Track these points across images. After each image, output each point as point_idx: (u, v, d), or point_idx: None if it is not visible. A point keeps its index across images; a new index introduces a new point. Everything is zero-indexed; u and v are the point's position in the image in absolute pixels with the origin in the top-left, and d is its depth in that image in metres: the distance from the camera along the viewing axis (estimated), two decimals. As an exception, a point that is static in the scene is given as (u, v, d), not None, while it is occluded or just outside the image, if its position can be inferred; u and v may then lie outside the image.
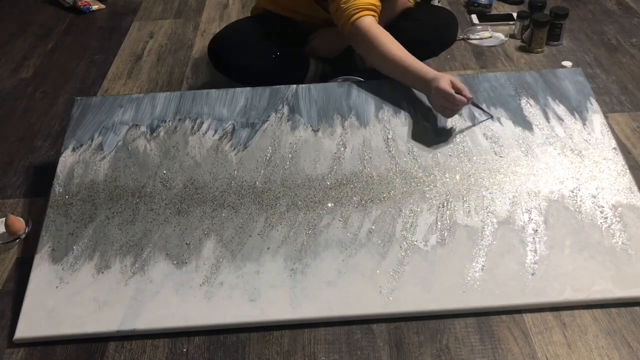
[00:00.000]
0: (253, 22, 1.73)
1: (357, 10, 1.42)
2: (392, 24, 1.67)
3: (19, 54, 2.16)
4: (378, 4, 1.46)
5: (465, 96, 1.32)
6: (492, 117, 1.42)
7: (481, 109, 1.42)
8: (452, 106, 1.33)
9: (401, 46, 1.42)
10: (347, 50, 1.70)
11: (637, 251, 1.18)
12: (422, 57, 1.81)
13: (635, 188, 1.29)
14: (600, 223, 1.23)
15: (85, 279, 1.19)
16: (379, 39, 1.40)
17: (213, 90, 1.52)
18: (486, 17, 2.19)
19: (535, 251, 1.19)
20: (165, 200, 1.31)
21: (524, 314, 1.12)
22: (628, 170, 1.32)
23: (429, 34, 1.65)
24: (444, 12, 1.74)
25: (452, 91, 1.31)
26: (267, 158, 1.38)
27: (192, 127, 1.45)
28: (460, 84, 1.33)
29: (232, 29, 1.74)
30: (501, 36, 2.05)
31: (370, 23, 1.42)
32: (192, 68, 1.99)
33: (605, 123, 1.42)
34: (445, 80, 1.32)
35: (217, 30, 2.18)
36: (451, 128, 1.42)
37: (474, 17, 2.18)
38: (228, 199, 1.30)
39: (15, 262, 1.30)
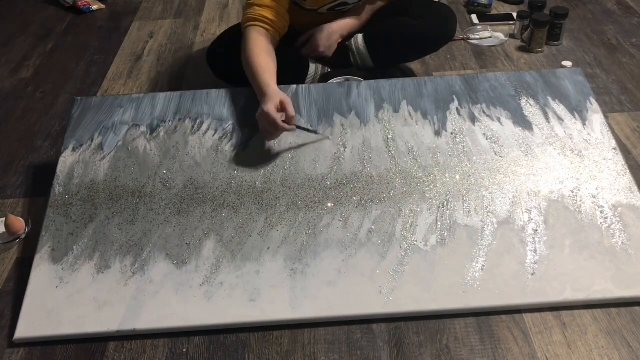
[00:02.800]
0: None
1: (251, 20, 1.51)
2: (391, 21, 1.67)
3: (19, 54, 2.16)
4: (275, 20, 1.52)
5: (288, 122, 1.33)
6: (324, 137, 1.41)
7: (308, 130, 1.40)
8: (272, 130, 1.35)
9: (268, 61, 1.46)
10: (346, 51, 1.70)
11: (637, 251, 1.18)
12: (422, 53, 1.82)
13: (635, 188, 1.29)
14: (600, 223, 1.23)
15: (85, 279, 1.19)
16: (251, 46, 1.47)
17: (213, 90, 1.52)
18: (486, 17, 2.18)
19: (535, 251, 1.19)
20: (165, 200, 1.31)
21: (524, 314, 1.12)
22: (628, 170, 1.32)
23: (429, 30, 1.66)
24: (443, 7, 1.74)
25: (277, 117, 1.31)
26: (267, 158, 1.38)
27: (192, 127, 1.45)
28: (290, 109, 1.33)
29: (230, 36, 1.74)
30: (501, 36, 2.05)
31: (254, 34, 1.49)
32: (192, 68, 1.99)
33: (605, 123, 1.42)
34: (273, 103, 1.33)
35: (217, 30, 2.19)
36: (451, 128, 1.42)
37: (474, 17, 2.18)
38: (228, 199, 1.30)
39: (15, 262, 1.30)
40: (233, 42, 1.62)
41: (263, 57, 1.46)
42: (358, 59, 1.70)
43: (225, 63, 1.67)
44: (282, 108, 1.34)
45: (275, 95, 1.35)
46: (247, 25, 1.51)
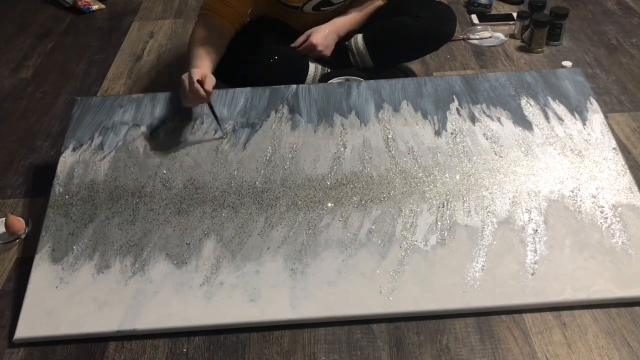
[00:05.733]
0: (248, 28, 1.73)
1: (203, 10, 1.56)
2: (391, 21, 1.67)
3: (19, 54, 2.16)
4: (224, 10, 1.54)
5: (206, 91, 1.38)
6: (222, 137, 1.43)
7: (214, 116, 1.43)
8: (187, 94, 1.40)
9: (205, 44, 1.50)
10: (346, 51, 1.70)
11: (637, 251, 1.18)
12: (422, 53, 1.82)
13: (635, 188, 1.29)
14: (600, 223, 1.23)
15: (85, 279, 1.19)
16: (194, 33, 1.53)
17: (213, 91, 1.52)
18: (486, 17, 2.19)
19: (535, 251, 1.19)
20: (165, 200, 1.31)
21: (524, 314, 1.12)
22: (628, 170, 1.32)
23: (429, 29, 1.65)
24: (442, 6, 1.74)
25: (186, 82, 1.37)
26: (267, 158, 1.38)
27: (192, 127, 1.45)
28: (208, 82, 1.38)
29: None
30: (501, 36, 2.05)
31: (201, 23, 1.54)
32: (192, 68, 1.99)
33: (605, 123, 1.42)
34: (196, 70, 1.39)
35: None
36: (451, 128, 1.42)
37: (474, 17, 2.18)
38: (228, 199, 1.30)
39: (15, 262, 1.30)
40: (232, 43, 1.62)
41: (203, 42, 1.50)
42: (358, 59, 1.70)
43: (224, 64, 1.66)
44: (200, 80, 1.39)
45: (201, 68, 1.42)
46: (202, 14, 1.55)
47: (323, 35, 1.64)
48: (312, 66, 1.67)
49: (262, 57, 1.63)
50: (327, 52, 1.67)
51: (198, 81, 1.37)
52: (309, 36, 1.66)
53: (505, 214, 1.25)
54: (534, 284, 1.13)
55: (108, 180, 1.35)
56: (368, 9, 1.72)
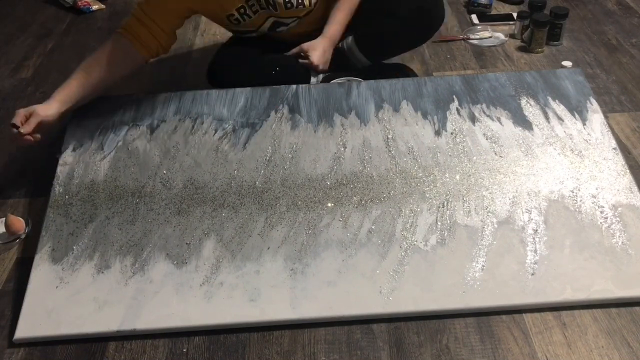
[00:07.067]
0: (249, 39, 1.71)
1: (119, 29, 1.49)
2: (378, 16, 1.64)
3: (19, 54, 2.15)
4: (143, 34, 1.49)
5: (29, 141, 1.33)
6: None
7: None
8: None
9: (94, 69, 1.44)
10: (340, 54, 1.69)
11: (637, 251, 1.18)
12: (416, 39, 1.72)
13: (635, 188, 1.29)
14: (600, 223, 1.23)
15: (85, 279, 1.19)
16: (93, 53, 1.47)
17: (213, 91, 1.52)
18: (486, 17, 2.18)
19: (535, 251, 1.19)
20: (165, 200, 1.31)
21: (524, 314, 1.12)
22: (628, 170, 1.32)
23: (417, 14, 1.58)
24: None
25: (17, 120, 1.34)
26: (267, 158, 1.38)
27: (192, 127, 1.45)
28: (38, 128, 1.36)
29: (229, 49, 1.72)
30: (501, 36, 2.05)
31: (110, 42, 1.47)
32: (192, 68, 1.99)
33: (605, 123, 1.42)
34: (19, 111, 1.34)
35: (217, 30, 2.19)
36: (451, 128, 1.42)
37: (474, 17, 2.18)
38: (228, 199, 1.30)
39: (15, 262, 1.30)
40: (232, 51, 1.61)
41: (87, 72, 1.43)
42: (353, 59, 1.70)
43: (223, 73, 1.64)
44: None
45: (47, 104, 1.37)
46: (118, 32, 1.49)
47: (321, 53, 1.61)
48: (313, 80, 1.66)
49: (264, 68, 1.61)
50: (327, 66, 1.66)
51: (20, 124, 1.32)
52: (304, 51, 1.62)
53: (505, 214, 1.25)
54: (534, 284, 1.13)
55: (108, 180, 1.35)
56: (352, 5, 1.66)
